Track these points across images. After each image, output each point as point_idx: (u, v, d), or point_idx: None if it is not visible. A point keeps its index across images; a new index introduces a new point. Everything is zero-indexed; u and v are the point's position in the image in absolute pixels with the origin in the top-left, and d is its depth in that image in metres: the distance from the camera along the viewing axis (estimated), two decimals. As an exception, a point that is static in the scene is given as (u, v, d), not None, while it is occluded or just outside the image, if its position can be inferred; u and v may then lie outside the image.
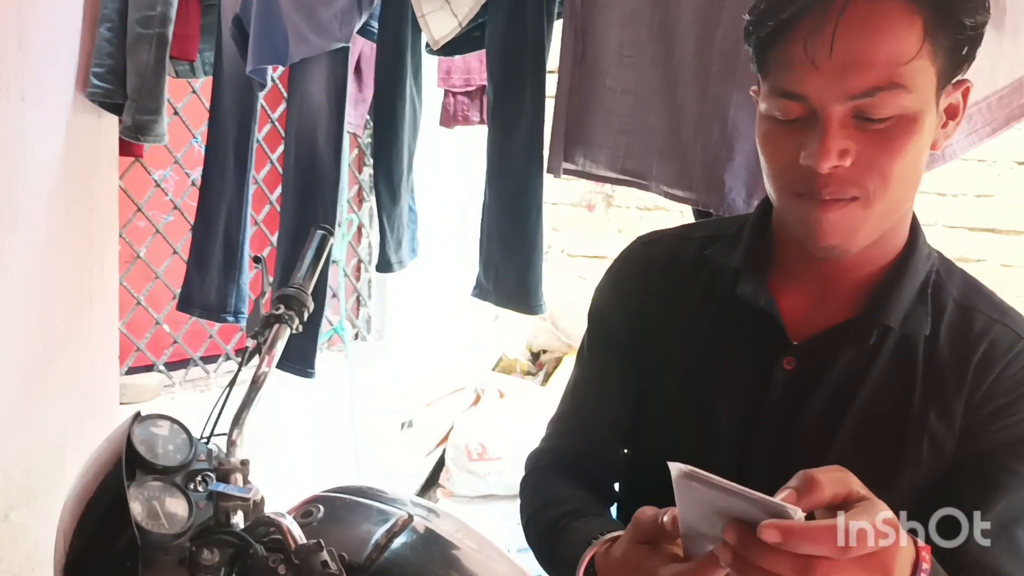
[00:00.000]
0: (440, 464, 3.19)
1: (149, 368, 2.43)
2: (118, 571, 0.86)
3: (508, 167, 1.67)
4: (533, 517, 0.94)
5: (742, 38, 0.79)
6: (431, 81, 2.10)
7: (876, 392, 0.81)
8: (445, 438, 3.21)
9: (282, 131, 2.34)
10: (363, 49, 2.11)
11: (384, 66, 1.83)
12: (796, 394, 0.83)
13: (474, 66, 2.11)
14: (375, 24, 1.82)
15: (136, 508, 0.88)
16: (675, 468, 0.60)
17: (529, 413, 3.03)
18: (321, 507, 1.03)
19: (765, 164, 0.80)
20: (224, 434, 1.02)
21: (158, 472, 0.95)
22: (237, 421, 1.01)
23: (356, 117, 2.23)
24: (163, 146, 2.08)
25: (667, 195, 1.47)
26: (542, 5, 1.59)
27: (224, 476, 0.95)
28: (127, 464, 0.91)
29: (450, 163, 3.11)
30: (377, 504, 1.05)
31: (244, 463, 0.97)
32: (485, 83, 1.81)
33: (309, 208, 1.91)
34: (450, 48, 1.70)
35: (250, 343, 1.13)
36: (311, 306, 1.15)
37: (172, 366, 2.50)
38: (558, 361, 3.76)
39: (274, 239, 2.38)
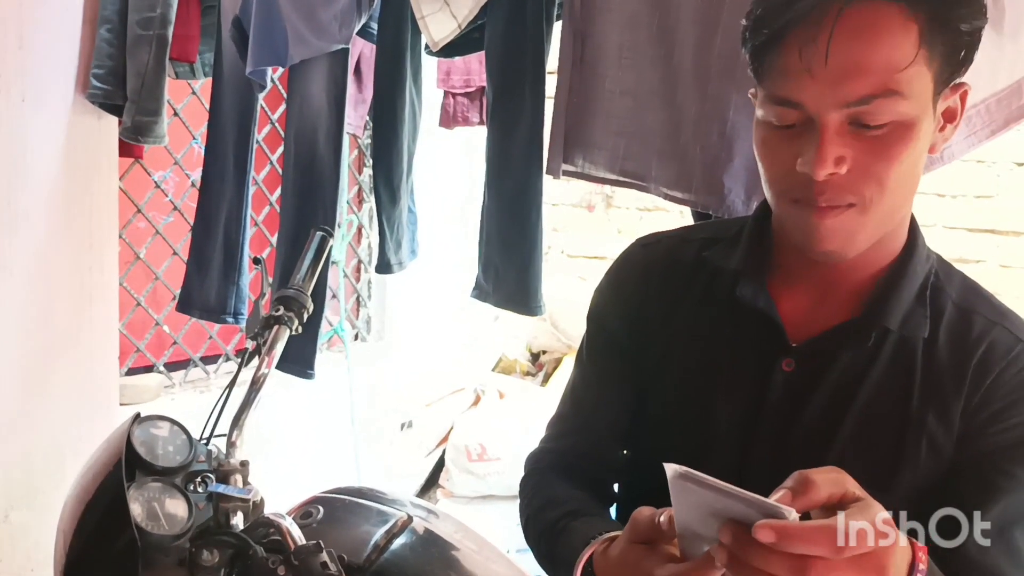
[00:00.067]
0: (440, 465, 3.19)
1: (149, 369, 2.43)
2: (118, 572, 0.87)
3: (508, 168, 1.67)
4: (532, 518, 0.94)
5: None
6: (431, 82, 2.10)
7: (875, 394, 0.81)
8: (445, 439, 3.21)
9: (282, 132, 2.34)
10: (363, 50, 2.11)
11: (384, 67, 1.83)
12: (795, 395, 0.83)
13: (474, 67, 2.12)
14: (375, 25, 1.82)
15: (136, 509, 0.88)
16: (670, 469, 0.60)
17: (529, 414, 3.04)
18: (320, 508, 1.03)
19: (762, 170, 0.80)
20: (224, 435, 1.02)
21: (158, 473, 0.95)
22: (237, 422, 1.02)
23: (356, 118, 2.23)
24: (163, 147, 2.08)
25: (666, 196, 1.47)
26: (541, 7, 1.59)
27: (224, 477, 0.95)
28: (127, 465, 0.91)
29: (450, 164, 3.11)
30: (376, 505, 1.05)
31: (244, 464, 0.97)
32: (485, 84, 1.81)
33: (309, 209, 1.91)
34: (449, 50, 1.70)
35: (250, 344, 1.13)
36: (311, 307, 1.15)
37: (172, 367, 2.50)
38: (558, 362, 3.76)
39: (274, 240, 2.38)
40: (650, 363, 0.92)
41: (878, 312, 0.81)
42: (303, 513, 1.02)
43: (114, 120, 1.98)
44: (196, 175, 2.17)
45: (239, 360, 1.17)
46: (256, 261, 1.21)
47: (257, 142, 2.16)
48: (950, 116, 0.78)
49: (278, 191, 2.34)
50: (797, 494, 0.58)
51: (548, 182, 1.64)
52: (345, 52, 1.83)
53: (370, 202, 2.99)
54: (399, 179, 1.91)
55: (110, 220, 2.07)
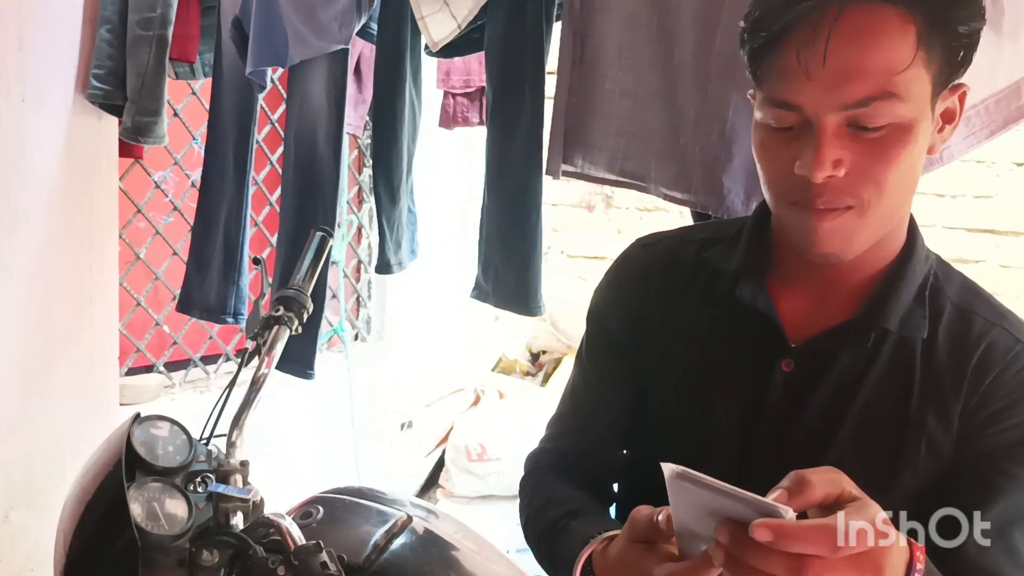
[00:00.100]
0: (440, 465, 3.19)
1: (149, 369, 2.43)
2: (118, 572, 0.87)
3: (507, 168, 1.67)
4: (532, 518, 0.94)
5: (740, 41, 0.79)
6: (431, 82, 2.10)
7: (874, 394, 0.81)
8: (445, 439, 3.21)
9: (282, 132, 2.35)
10: (363, 50, 2.11)
11: (383, 67, 1.83)
12: (795, 396, 0.83)
13: (473, 67, 2.12)
14: (374, 26, 1.82)
15: (136, 509, 0.88)
16: (667, 469, 0.60)
17: (529, 414, 3.04)
18: (320, 508, 1.03)
19: (761, 171, 0.80)
20: (224, 435, 1.02)
21: (158, 473, 0.95)
22: (237, 422, 1.02)
23: (356, 118, 2.23)
24: (163, 147, 2.08)
25: (666, 197, 1.47)
26: (541, 7, 1.59)
27: (224, 477, 0.95)
28: (127, 465, 0.91)
29: (449, 164, 3.11)
30: (376, 505, 1.05)
31: (244, 464, 0.97)
32: (484, 84, 1.81)
33: (309, 209, 1.91)
34: (449, 50, 1.70)
35: (250, 344, 1.13)
36: (310, 307, 1.15)
37: (172, 367, 2.50)
38: (558, 362, 3.76)
39: (274, 240, 2.38)
40: (650, 363, 0.92)
41: (877, 313, 0.81)
42: (303, 513, 1.03)
43: (114, 120, 1.98)
44: (196, 175, 2.17)
45: (239, 360, 1.17)
46: (256, 261, 1.21)
47: (257, 142, 2.16)
48: (949, 117, 0.78)
49: (278, 191, 2.34)
50: (793, 494, 0.58)
51: (548, 182, 1.64)
52: (345, 52, 1.83)
53: (370, 202, 2.99)
54: (399, 179, 1.91)
55: (110, 220, 2.07)
